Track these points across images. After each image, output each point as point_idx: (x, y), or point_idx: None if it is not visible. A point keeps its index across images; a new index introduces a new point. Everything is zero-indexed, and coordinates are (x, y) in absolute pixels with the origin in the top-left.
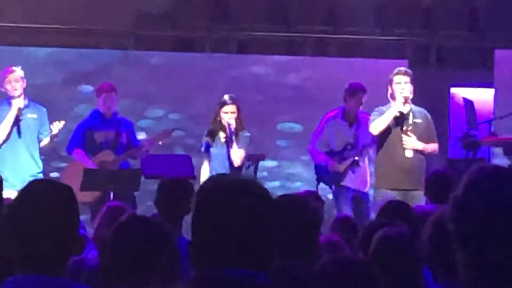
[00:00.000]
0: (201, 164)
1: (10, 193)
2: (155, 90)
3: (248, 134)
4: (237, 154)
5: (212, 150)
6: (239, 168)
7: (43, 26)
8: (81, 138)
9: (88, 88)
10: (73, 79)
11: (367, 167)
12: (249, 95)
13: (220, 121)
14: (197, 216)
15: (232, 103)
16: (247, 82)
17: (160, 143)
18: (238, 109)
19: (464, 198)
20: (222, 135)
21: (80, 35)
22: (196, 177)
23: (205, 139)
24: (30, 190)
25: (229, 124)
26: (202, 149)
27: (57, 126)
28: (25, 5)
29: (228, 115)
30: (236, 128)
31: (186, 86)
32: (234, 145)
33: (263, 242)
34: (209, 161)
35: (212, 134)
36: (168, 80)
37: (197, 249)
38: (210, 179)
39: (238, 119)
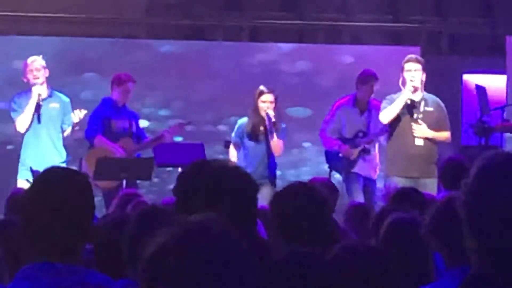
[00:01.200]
0: (227, 152)
1: None
2: (159, 77)
3: (284, 125)
4: (278, 145)
5: (249, 143)
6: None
7: (54, 15)
8: (101, 125)
9: (92, 76)
10: (83, 67)
11: (377, 154)
12: (258, 83)
13: (259, 113)
14: (181, 196)
15: (269, 92)
16: (254, 70)
17: (173, 135)
18: (276, 100)
19: (475, 185)
20: (258, 127)
21: (92, 24)
22: None
23: (245, 130)
24: (46, 177)
25: (267, 114)
26: (234, 136)
27: (78, 115)
28: None
29: (267, 104)
30: (275, 119)
31: (189, 74)
32: (275, 136)
33: (245, 225)
34: (239, 151)
35: (255, 129)
36: (172, 68)
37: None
38: (194, 164)
39: (276, 110)
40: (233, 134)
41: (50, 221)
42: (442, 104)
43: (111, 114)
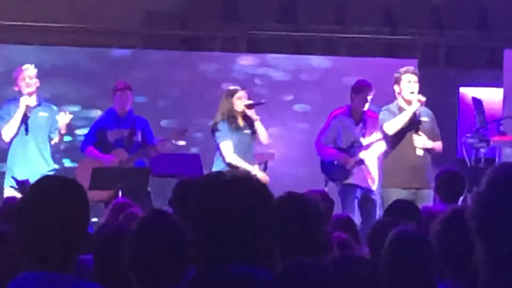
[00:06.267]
0: (217, 151)
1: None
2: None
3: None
4: (265, 134)
5: (234, 136)
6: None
7: (51, 25)
8: (93, 136)
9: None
10: (80, 77)
11: (376, 164)
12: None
13: (234, 109)
14: (197, 214)
15: (242, 89)
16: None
17: (174, 142)
18: (249, 96)
19: (486, 195)
20: (240, 121)
21: (89, 34)
22: None
23: (225, 125)
24: (41, 186)
25: (248, 108)
26: (225, 136)
27: (63, 119)
28: (32, 4)
29: (243, 100)
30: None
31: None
32: (260, 124)
33: (262, 238)
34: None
35: (233, 120)
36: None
37: (197, 246)
38: (208, 176)
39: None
40: (221, 136)
41: (44, 230)
42: (433, 115)
43: (108, 124)
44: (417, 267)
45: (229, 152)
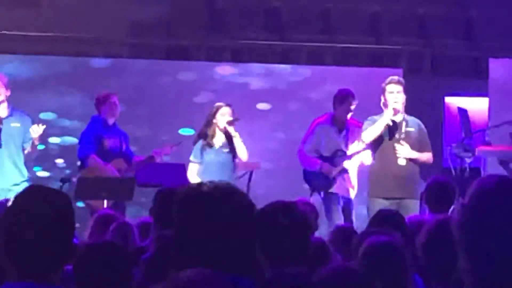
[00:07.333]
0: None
1: None
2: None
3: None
4: (244, 150)
5: (207, 156)
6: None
7: (37, 34)
8: (93, 144)
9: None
10: (60, 86)
11: (355, 173)
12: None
13: (216, 125)
14: (179, 224)
15: (227, 105)
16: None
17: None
18: (233, 112)
19: (472, 206)
20: (218, 139)
21: (75, 43)
22: None
23: (200, 144)
24: (26, 196)
25: (229, 124)
26: (195, 157)
27: (36, 130)
28: (18, 13)
29: (226, 117)
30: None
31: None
32: (238, 141)
33: (245, 247)
34: (201, 167)
35: (210, 139)
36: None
37: (179, 255)
38: (189, 187)
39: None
40: (193, 155)
41: (30, 240)
42: (423, 125)
43: (103, 132)
44: (390, 276)
45: (191, 174)
